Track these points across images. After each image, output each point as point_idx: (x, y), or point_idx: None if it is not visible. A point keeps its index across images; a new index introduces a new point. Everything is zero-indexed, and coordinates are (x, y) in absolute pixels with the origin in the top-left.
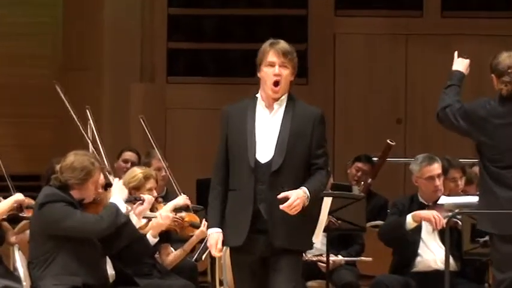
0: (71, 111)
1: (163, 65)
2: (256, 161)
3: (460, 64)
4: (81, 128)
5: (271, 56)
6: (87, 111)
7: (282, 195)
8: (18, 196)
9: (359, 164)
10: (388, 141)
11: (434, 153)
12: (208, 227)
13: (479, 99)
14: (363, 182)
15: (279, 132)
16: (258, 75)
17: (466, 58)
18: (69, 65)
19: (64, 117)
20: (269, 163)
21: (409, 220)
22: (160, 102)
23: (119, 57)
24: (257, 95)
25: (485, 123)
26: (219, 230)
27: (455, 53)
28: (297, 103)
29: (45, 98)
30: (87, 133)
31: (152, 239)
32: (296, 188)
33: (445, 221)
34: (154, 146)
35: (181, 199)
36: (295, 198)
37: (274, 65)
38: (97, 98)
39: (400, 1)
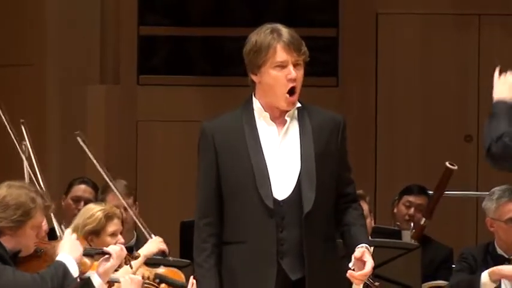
0: (8, 127)
1: (132, 59)
2: (275, 200)
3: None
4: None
5: (281, 54)
6: (22, 126)
7: (358, 253)
8: None
9: (410, 198)
10: (447, 164)
11: None
12: None
13: None
14: (412, 224)
15: (301, 155)
16: (254, 79)
17: None
18: None
19: None
20: (293, 201)
21: (485, 279)
22: (129, 112)
23: (69, 49)
24: (253, 105)
25: None
26: None
27: (496, 71)
28: (310, 110)
29: None
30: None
31: None
32: (330, 234)
33: None
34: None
35: (154, 244)
36: (372, 265)
37: (286, 65)
38: (38, 106)
39: None
